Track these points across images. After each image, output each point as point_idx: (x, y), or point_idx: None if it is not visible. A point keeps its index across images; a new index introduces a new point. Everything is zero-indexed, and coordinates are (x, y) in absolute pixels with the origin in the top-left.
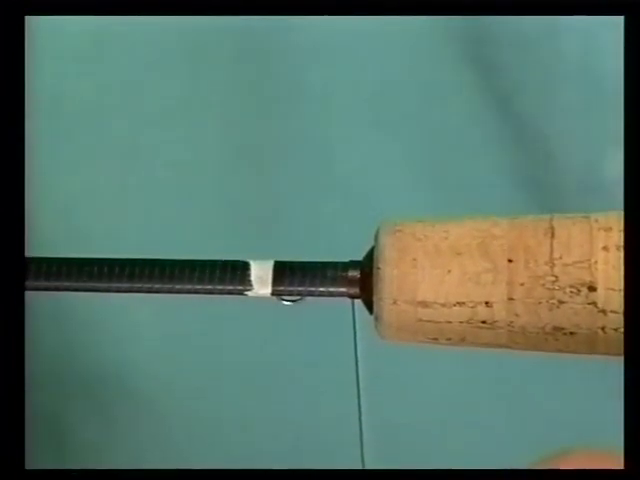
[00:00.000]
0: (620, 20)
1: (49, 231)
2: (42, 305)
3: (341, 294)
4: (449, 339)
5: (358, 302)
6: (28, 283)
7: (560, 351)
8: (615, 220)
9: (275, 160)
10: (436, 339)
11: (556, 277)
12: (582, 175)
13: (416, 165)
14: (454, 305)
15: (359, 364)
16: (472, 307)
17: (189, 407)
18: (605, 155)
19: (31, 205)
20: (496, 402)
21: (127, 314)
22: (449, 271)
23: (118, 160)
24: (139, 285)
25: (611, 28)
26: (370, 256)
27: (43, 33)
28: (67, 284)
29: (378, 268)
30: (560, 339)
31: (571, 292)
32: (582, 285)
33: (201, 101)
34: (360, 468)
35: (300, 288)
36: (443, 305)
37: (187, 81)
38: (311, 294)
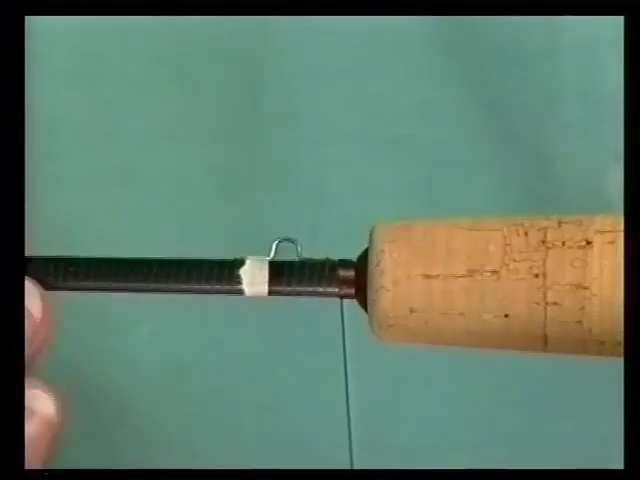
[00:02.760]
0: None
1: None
2: None
3: (336, 294)
4: (442, 339)
5: (347, 302)
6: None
7: (552, 352)
8: (611, 221)
9: (269, 174)
10: (430, 339)
11: (550, 279)
12: (583, 192)
13: (413, 183)
14: (447, 305)
15: (351, 364)
16: (465, 308)
17: (184, 407)
18: (606, 172)
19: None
20: (489, 401)
21: (124, 332)
22: (442, 272)
23: (112, 174)
24: (134, 284)
25: (611, 45)
26: (364, 256)
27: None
28: (62, 284)
29: (373, 268)
30: (552, 341)
31: (565, 294)
32: (576, 287)
33: (195, 116)
34: (348, 468)
35: (296, 287)
36: (437, 305)
37: (181, 99)
38: (306, 293)
